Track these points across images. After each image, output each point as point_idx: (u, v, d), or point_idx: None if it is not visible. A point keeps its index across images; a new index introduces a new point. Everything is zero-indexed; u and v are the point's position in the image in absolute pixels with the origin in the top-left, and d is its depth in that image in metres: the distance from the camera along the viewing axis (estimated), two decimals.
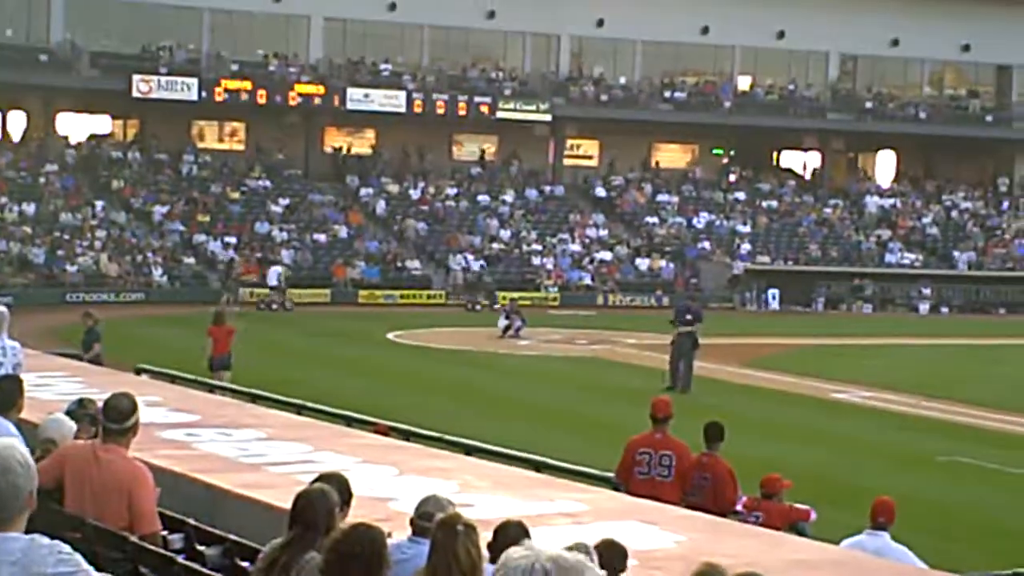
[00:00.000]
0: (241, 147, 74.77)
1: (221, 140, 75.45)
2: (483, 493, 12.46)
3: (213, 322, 31.12)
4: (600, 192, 77.20)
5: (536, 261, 68.51)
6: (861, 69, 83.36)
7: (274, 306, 58.75)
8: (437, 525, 6.72)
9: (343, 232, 68.31)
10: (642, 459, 15.11)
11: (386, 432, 17.98)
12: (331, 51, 73.52)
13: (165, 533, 9.71)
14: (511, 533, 7.41)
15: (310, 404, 21.59)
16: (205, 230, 65.65)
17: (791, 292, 69.01)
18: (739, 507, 14.43)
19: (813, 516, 14.39)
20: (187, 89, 67.84)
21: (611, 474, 15.88)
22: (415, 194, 72.78)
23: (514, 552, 4.82)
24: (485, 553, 6.92)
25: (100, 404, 10.10)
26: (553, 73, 77.29)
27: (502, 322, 50.03)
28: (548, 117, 74.58)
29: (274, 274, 60.41)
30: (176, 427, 15.64)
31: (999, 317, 64.50)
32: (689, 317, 35.78)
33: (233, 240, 65.07)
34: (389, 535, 9.37)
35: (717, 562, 6.62)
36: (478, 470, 14.52)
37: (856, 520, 13.82)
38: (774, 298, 68.32)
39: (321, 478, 8.30)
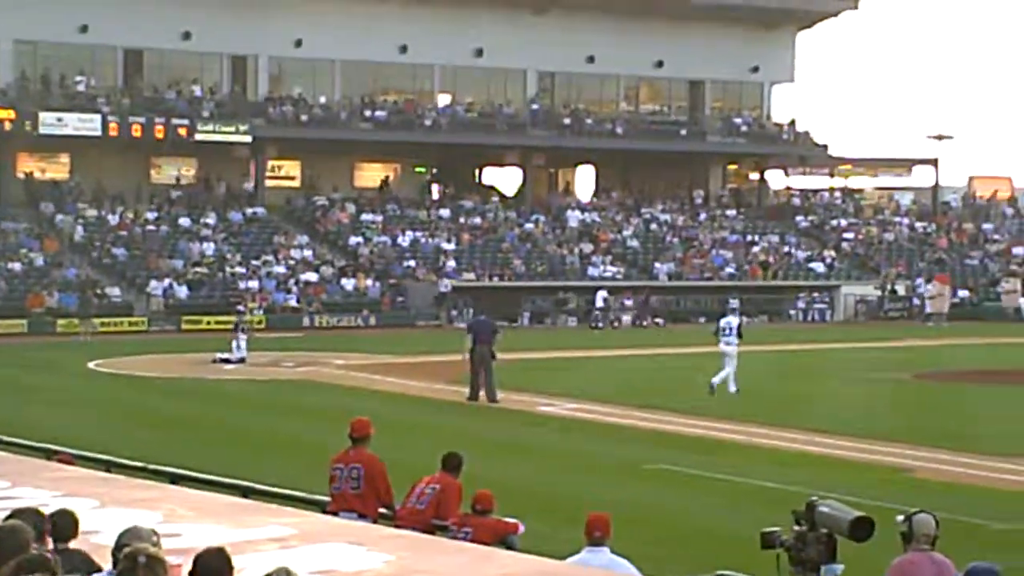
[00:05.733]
0: None
1: None
2: (189, 522, 12.24)
3: None
4: (303, 212, 76.91)
5: (241, 284, 67.69)
6: (559, 86, 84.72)
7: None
8: (122, 557, 6.68)
9: (39, 260, 66.57)
10: (335, 474, 15.70)
11: (70, 461, 17.51)
12: (21, 74, 71.61)
13: None
14: (211, 561, 7.27)
15: (7, 438, 20.98)
16: None
17: (497, 308, 69.40)
18: (449, 523, 14.51)
19: (521, 529, 14.50)
20: None
21: (320, 496, 16.13)
22: (113, 219, 71.30)
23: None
24: None
25: None
26: (244, 93, 76.74)
27: (239, 344, 48.78)
28: (248, 138, 73.90)
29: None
30: None
31: (699, 326, 65.94)
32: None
33: None
34: (99, 570, 9.12)
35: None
36: (184, 499, 14.26)
37: (566, 531, 13.95)
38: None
39: (15, 514, 8.05)
